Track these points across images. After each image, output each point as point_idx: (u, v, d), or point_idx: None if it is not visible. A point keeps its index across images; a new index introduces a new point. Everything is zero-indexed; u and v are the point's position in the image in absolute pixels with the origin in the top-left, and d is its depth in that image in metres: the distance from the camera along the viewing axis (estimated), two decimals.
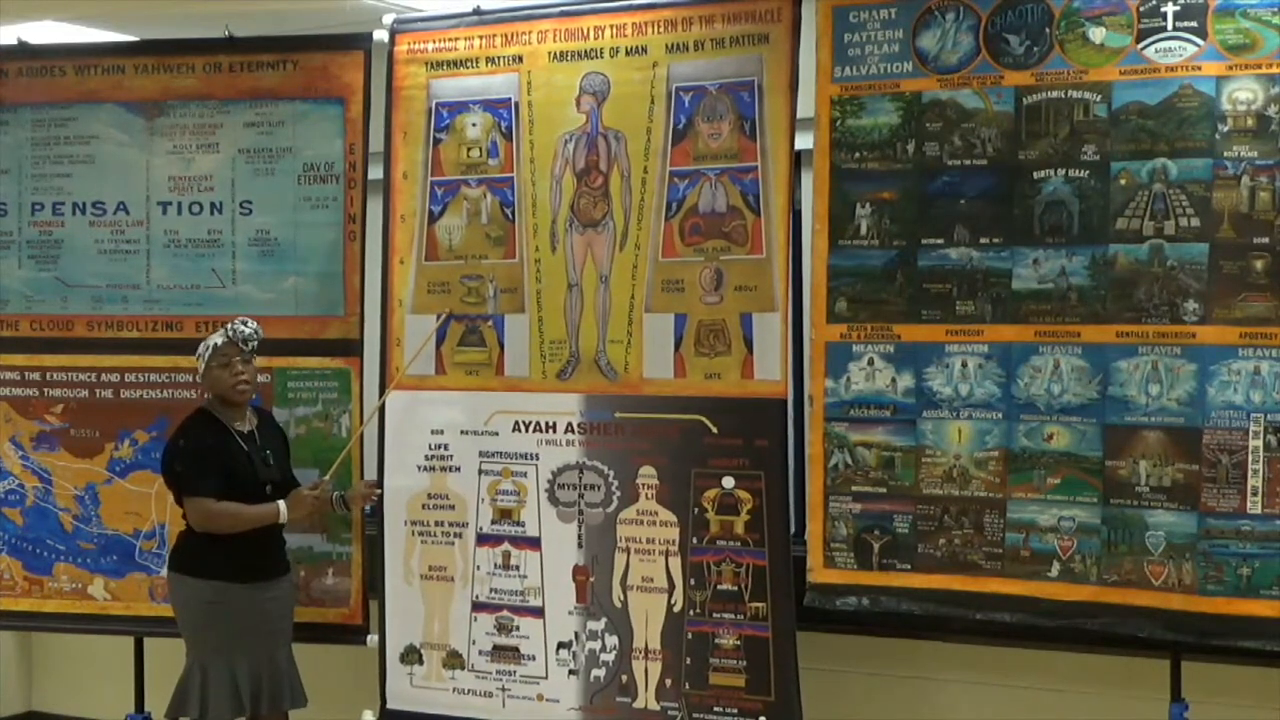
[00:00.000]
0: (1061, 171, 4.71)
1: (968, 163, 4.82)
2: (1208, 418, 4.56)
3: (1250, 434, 4.52)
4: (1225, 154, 4.51)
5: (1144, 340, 4.63)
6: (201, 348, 5.23)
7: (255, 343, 5.25)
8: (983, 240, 4.80)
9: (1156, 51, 4.58)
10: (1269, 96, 4.46)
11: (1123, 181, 4.63)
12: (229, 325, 5.23)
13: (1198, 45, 4.53)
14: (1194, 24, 4.53)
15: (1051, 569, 4.76)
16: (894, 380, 4.94)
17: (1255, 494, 4.52)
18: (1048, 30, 4.70)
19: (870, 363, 4.97)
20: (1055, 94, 4.70)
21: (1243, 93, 4.49)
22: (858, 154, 4.95)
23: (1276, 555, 4.50)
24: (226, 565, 5.17)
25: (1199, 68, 4.53)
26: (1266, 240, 4.48)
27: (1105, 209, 4.65)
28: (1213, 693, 4.87)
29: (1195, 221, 4.55)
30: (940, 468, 4.89)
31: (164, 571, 5.53)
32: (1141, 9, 4.59)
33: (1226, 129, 4.51)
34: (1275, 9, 4.45)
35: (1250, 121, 4.48)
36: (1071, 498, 4.73)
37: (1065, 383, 4.73)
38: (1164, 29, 4.56)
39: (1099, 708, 5.23)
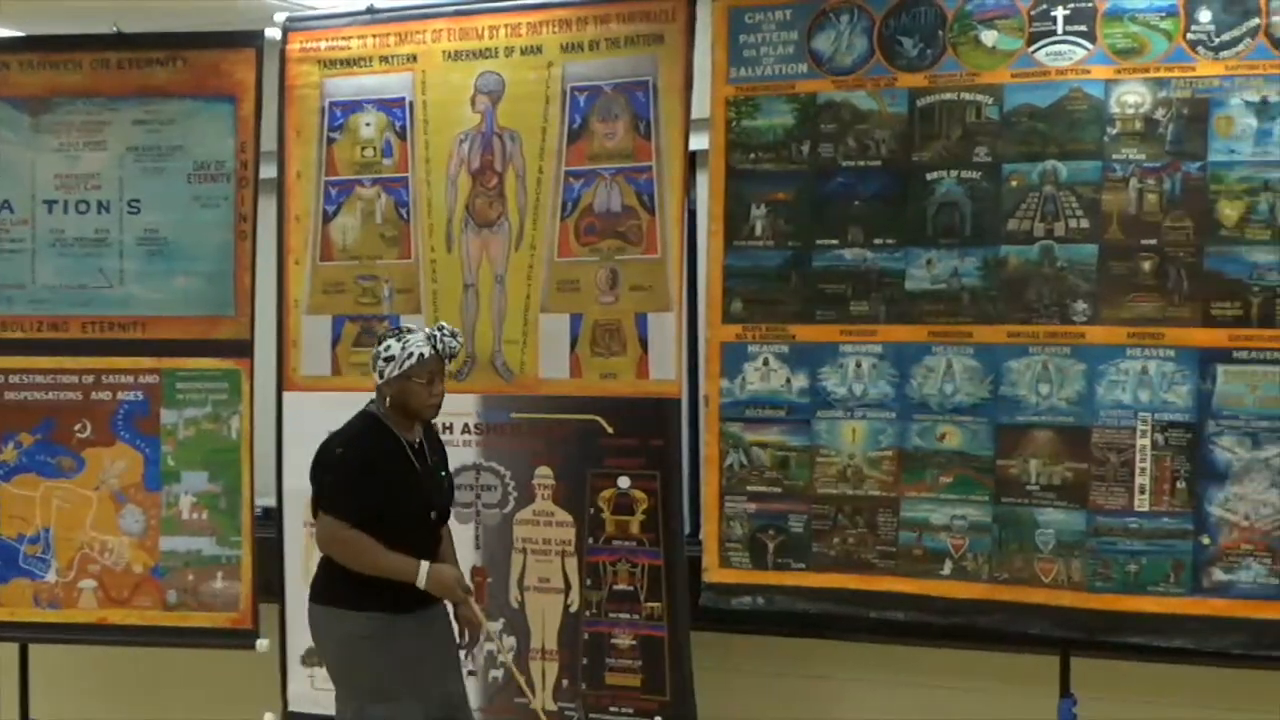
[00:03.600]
0: (954, 173, 4.75)
1: (862, 164, 4.85)
2: (1096, 417, 4.63)
3: (1138, 433, 4.59)
4: (1114, 156, 4.58)
5: (1034, 340, 4.69)
6: (397, 350, 4.50)
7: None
8: (877, 241, 4.84)
9: (1047, 55, 4.64)
10: (1156, 100, 4.53)
11: (1014, 183, 4.69)
12: (435, 335, 4.56)
13: (1087, 49, 4.60)
14: (1083, 28, 4.59)
15: (944, 567, 4.81)
16: (789, 380, 4.96)
17: (1143, 492, 4.60)
18: (941, 33, 4.75)
19: (765, 363, 4.99)
20: (948, 96, 4.75)
21: (1131, 96, 4.56)
22: (753, 154, 4.97)
23: (1163, 552, 4.57)
24: (385, 594, 4.49)
25: (1088, 71, 4.59)
26: (1154, 241, 4.55)
27: (997, 210, 4.71)
28: (1102, 688, 4.93)
29: (1085, 223, 4.61)
30: (835, 467, 4.92)
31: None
32: (1032, 13, 4.65)
33: (1115, 132, 4.58)
34: (1162, 14, 4.53)
35: (1138, 124, 4.56)
36: (963, 496, 4.78)
37: (957, 382, 4.78)
38: (1054, 33, 4.63)
39: (991, 704, 5.27)
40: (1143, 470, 4.59)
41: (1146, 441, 4.59)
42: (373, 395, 4.63)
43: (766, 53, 4.94)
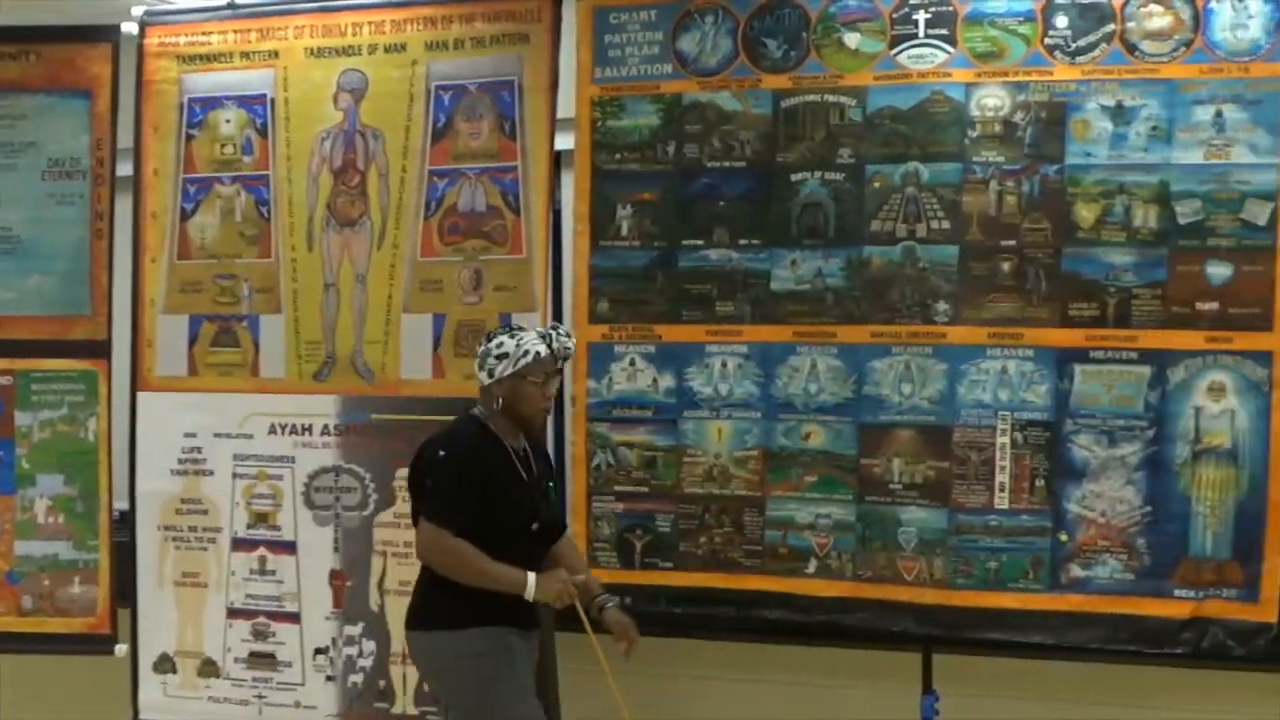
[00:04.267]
0: (818, 174, 4.78)
1: (727, 164, 4.87)
2: (958, 416, 4.69)
3: (998, 431, 4.66)
4: (974, 158, 4.64)
5: (897, 340, 4.73)
6: (511, 347, 4.25)
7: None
8: (742, 241, 4.86)
9: (909, 58, 4.69)
10: (1015, 103, 4.60)
11: (877, 184, 4.73)
12: (549, 334, 4.31)
13: (948, 52, 4.65)
14: (944, 31, 4.65)
15: (809, 565, 4.84)
16: (655, 380, 4.96)
17: (1003, 490, 4.66)
18: (804, 35, 4.78)
19: (632, 363, 4.99)
20: (812, 97, 4.78)
21: (990, 99, 4.62)
22: (618, 155, 4.97)
23: (1023, 549, 4.64)
24: (491, 609, 4.22)
25: (949, 74, 4.65)
26: (1013, 243, 4.62)
27: (860, 211, 4.75)
28: (964, 684, 4.98)
29: (946, 224, 4.67)
30: (701, 467, 4.93)
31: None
32: (894, 16, 4.69)
33: (975, 134, 4.64)
34: (1021, 19, 4.59)
35: (998, 127, 4.62)
36: (828, 495, 4.82)
37: (822, 382, 4.81)
38: (916, 36, 4.67)
39: (856, 701, 5.30)
40: (1003, 469, 4.65)
41: (1006, 440, 4.65)
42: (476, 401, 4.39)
43: (632, 53, 4.95)
